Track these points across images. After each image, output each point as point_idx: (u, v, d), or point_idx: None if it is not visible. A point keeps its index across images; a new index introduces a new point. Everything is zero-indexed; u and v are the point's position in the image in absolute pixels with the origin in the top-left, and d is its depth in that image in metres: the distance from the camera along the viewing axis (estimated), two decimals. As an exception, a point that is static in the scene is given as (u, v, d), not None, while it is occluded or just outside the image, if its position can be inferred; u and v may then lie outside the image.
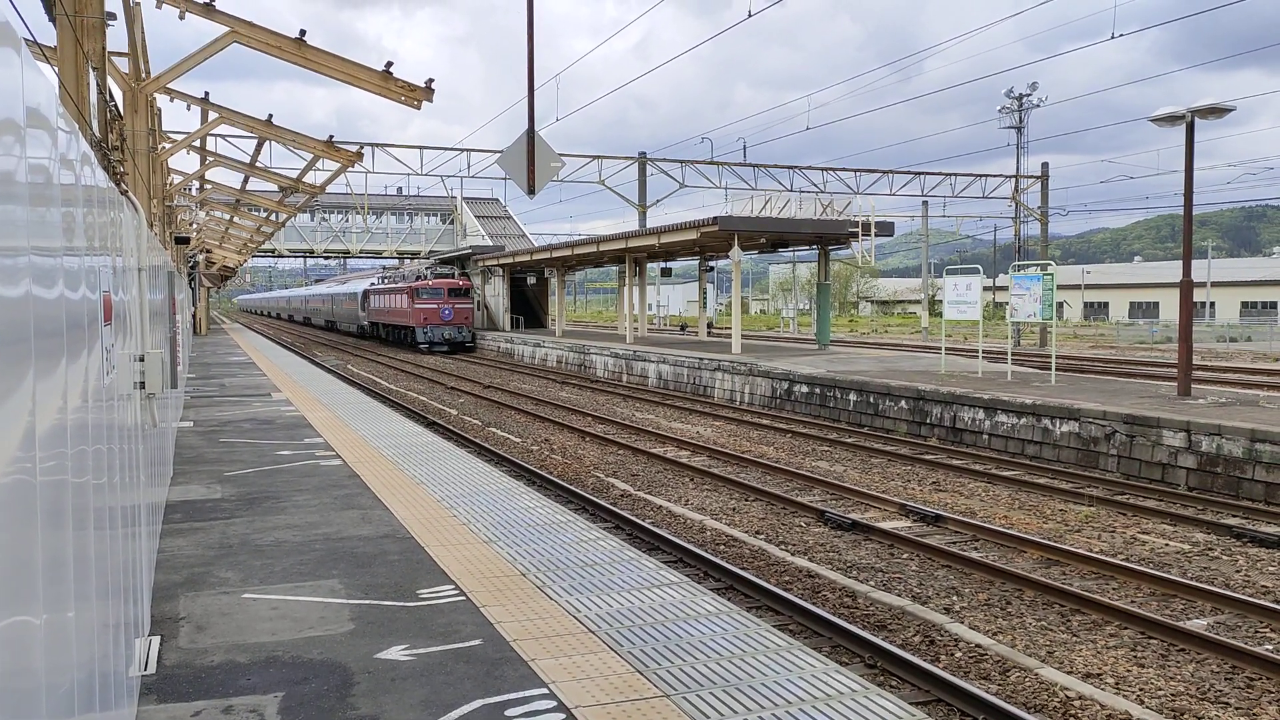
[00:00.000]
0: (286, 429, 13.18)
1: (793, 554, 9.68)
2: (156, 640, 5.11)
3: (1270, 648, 7.08)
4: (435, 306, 43.70)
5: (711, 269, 40.95)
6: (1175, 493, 12.30)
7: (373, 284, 55.89)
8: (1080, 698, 6.20)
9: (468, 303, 45.22)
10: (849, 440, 16.92)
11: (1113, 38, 26.66)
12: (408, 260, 60.57)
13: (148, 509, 5.75)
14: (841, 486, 12.56)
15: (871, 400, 18.64)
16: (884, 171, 44.09)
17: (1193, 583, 8.46)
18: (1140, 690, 6.38)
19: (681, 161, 42.22)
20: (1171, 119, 15.97)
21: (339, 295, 67.76)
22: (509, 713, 4.19)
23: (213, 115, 18.15)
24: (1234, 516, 11.08)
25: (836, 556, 9.60)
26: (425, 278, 46.18)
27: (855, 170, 43.89)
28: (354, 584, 6.10)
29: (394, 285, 48.71)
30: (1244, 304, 77.09)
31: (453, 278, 46.72)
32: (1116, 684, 6.48)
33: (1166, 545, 9.98)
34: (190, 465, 10.40)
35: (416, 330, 43.78)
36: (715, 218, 26.39)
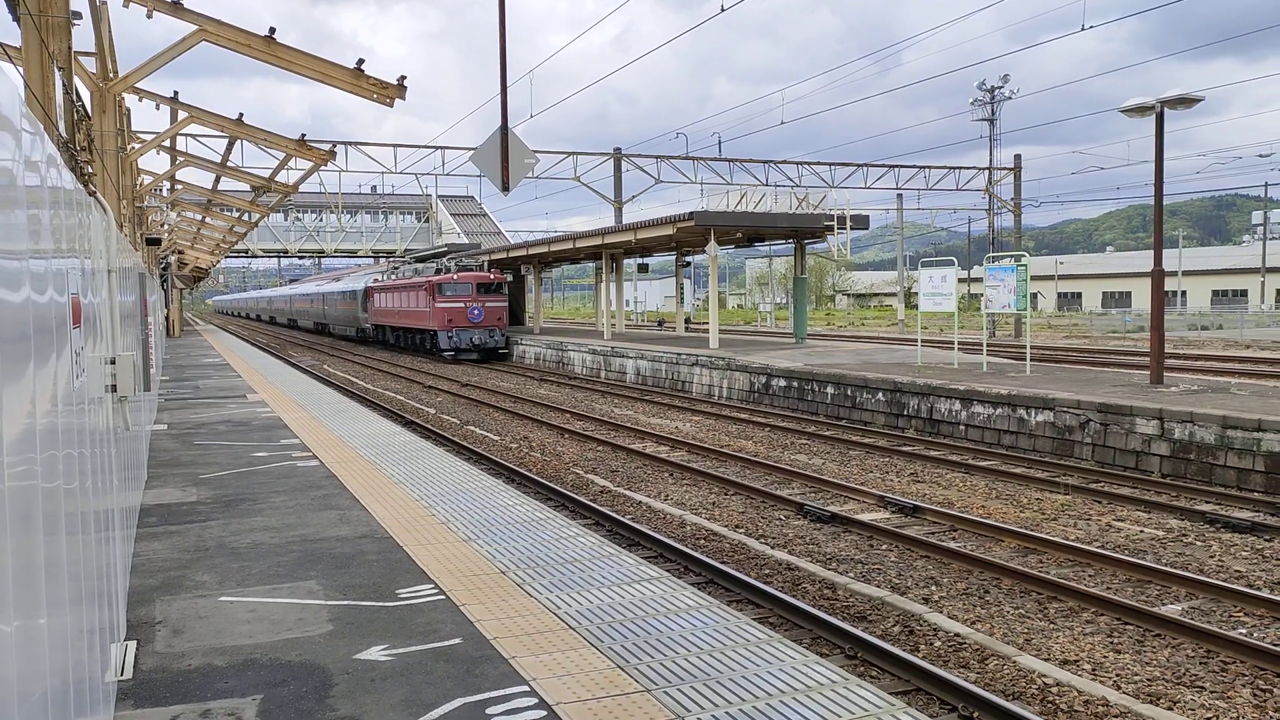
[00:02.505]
0: (262, 430, 13.08)
1: (772, 547, 9.71)
2: (133, 645, 5.06)
3: (1244, 632, 7.17)
4: (462, 305, 36.59)
5: (688, 264, 41.05)
6: (1149, 480, 12.42)
7: (377, 280, 47.92)
8: (1058, 684, 6.25)
9: (501, 300, 37.93)
10: (827, 433, 16.99)
11: (1083, 29, 26.88)
12: (382, 254, 60.06)
13: (121, 513, 5.70)
14: (820, 479, 12.61)
15: (849, 393, 18.71)
16: (859, 165, 44.27)
17: (1167, 569, 8.55)
18: (1117, 676, 6.45)
19: (657, 157, 42.22)
20: (1141, 110, 16.11)
21: (332, 294, 58.84)
22: (490, 711, 4.18)
23: (182, 115, 17.98)
24: (1207, 503, 11.21)
25: (816, 549, 9.64)
26: (447, 270, 39.03)
27: (830, 164, 44.05)
28: (332, 585, 6.07)
29: (407, 281, 41.03)
30: (1214, 292, 78.01)
31: (482, 269, 39.61)
32: (1093, 670, 6.55)
33: (1141, 532, 10.09)
34: (165, 468, 10.30)
35: (439, 334, 36.78)
36: (692, 213, 26.41)
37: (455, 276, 37.66)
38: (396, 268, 47.54)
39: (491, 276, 38.34)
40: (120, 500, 5.60)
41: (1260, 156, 61.63)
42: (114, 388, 4.82)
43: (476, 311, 36.76)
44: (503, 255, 41.60)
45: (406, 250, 58.47)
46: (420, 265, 43.31)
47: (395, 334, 43.93)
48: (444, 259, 41.93)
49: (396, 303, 42.32)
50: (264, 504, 8.47)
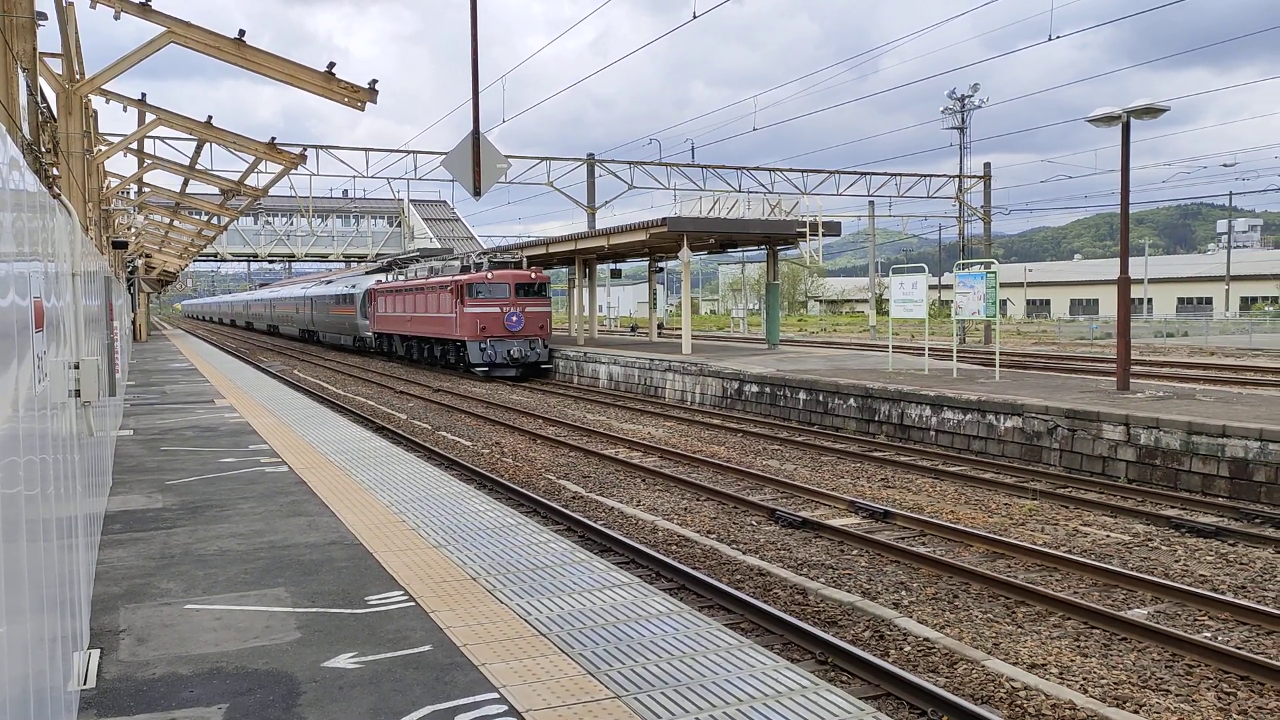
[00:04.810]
0: (230, 436, 12.95)
1: (744, 553, 9.73)
2: (96, 654, 4.99)
3: (1208, 635, 7.26)
4: (497, 310, 30.16)
5: (661, 270, 41.01)
6: (1116, 485, 12.56)
7: (381, 280, 40.95)
8: (1026, 688, 6.30)
9: (543, 305, 31.36)
10: (799, 439, 17.05)
11: (1050, 39, 27.19)
12: (354, 258, 59.66)
13: (85, 520, 5.62)
14: (792, 485, 12.65)
15: (821, 399, 18.80)
16: (831, 172, 44.52)
17: (1133, 573, 8.64)
18: (1084, 679, 6.50)
19: (630, 163, 42.26)
20: (1108, 119, 16.31)
21: (323, 298, 50.21)
22: (459, 718, 4.16)
23: (150, 117, 17.79)
24: (1172, 508, 11.35)
25: (787, 554, 9.66)
26: (478, 267, 32.30)
27: (803, 171, 44.27)
28: (300, 592, 6.01)
29: (424, 281, 34.27)
30: (1180, 300, 79.12)
31: (520, 267, 32.32)
32: (1060, 674, 6.60)
33: (1108, 537, 10.19)
34: (130, 474, 10.17)
35: (469, 346, 30.19)
36: (664, 219, 26.45)
37: (489, 276, 31.03)
38: (404, 266, 41.03)
39: (532, 275, 31.54)
40: (84, 507, 5.52)
41: (1225, 166, 62.61)
42: (78, 392, 4.76)
43: (515, 318, 30.32)
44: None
45: (378, 254, 58.17)
46: (436, 264, 36.71)
47: (407, 345, 37.10)
48: (475, 255, 35.80)
49: (410, 307, 35.52)
50: (231, 510, 8.38)
